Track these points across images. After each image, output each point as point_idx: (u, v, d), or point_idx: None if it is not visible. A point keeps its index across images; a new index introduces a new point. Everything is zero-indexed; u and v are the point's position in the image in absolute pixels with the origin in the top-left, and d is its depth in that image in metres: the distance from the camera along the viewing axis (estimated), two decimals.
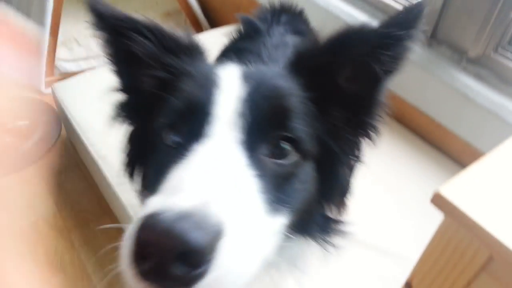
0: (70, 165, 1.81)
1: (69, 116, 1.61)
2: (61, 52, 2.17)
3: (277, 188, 0.44)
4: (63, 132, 1.93)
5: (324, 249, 0.55)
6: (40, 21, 1.94)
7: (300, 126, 0.47)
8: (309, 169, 0.48)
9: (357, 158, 0.55)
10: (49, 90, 2.10)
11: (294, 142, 0.46)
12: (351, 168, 0.55)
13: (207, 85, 0.47)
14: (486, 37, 1.34)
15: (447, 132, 1.49)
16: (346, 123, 0.52)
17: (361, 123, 0.54)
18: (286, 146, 0.45)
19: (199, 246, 0.32)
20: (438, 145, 1.53)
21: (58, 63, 2.16)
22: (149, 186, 0.57)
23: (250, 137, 0.43)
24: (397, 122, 1.62)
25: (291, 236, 0.49)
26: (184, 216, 0.32)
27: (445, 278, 0.55)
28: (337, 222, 0.57)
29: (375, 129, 0.54)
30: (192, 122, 0.44)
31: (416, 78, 1.51)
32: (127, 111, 0.62)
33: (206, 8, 2.53)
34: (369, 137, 0.54)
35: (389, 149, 1.51)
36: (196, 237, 0.32)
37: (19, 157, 1.79)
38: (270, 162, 0.44)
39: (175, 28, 0.66)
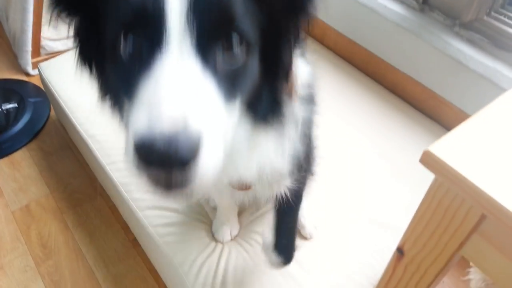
0: (60, 146, 1.79)
1: (56, 96, 1.58)
2: (46, 31, 2.11)
3: (231, 84, 0.47)
4: (52, 113, 1.90)
5: (275, 127, 0.59)
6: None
7: (246, 25, 0.47)
8: (255, 59, 0.51)
9: (296, 39, 0.55)
10: (36, 72, 2.06)
11: (242, 40, 0.47)
12: (291, 50, 0.55)
13: None
14: (479, 0, 1.31)
15: (440, 101, 1.47)
16: (282, 8, 0.51)
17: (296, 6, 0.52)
18: (236, 45, 0.47)
19: (188, 159, 0.40)
20: (432, 114, 1.51)
21: (44, 42, 2.11)
22: (113, 95, 0.60)
23: (203, 42, 0.44)
24: (390, 92, 1.60)
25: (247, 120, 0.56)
26: (172, 138, 0.38)
27: (437, 241, 0.54)
28: (284, 102, 0.58)
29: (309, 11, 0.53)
30: (147, 31, 0.44)
31: (409, 45, 1.48)
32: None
33: None
34: (305, 17, 0.53)
35: (384, 119, 1.49)
36: (186, 153, 0.39)
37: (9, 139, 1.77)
38: (222, 62, 0.46)
39: None
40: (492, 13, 1.35)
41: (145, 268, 1.40)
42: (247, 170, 0.65)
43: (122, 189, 1.28)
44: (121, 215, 1.50)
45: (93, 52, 0.59)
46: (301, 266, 1.10)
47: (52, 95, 1.62)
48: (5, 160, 1.73)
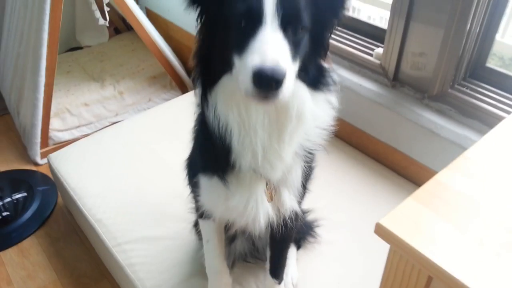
0: (67, 232, 1.87)
1: (64, 183, 1.70)
2: (54, 123, 2.28)
3: (295, 48, 0.76)
4: (60, 200, 2.00)
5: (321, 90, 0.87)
6: (34, 96, 2.07)
7: (307, 18, 0.77)
8: (308, 38, 0.80)
9: (332, 31, 0.86)
10: (44, 161, 2.20)
11: (303, 25, 0.77)
12: (328, 37, 0.86)
13: None
14: (442, 75, 1.47)
15: (420, 166, 1.58)
16: (325, 9, 0.82)
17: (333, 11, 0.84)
18: (299, 27, 0.77)
19: (282, 80, 0.69)
20: (414, 178, 1.62)
21: (51, 133, 2.27)
22: (226, 54, 0.82)
23: (283, 24, 0.73)
24: (374, 160, 1.72)
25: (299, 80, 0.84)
26: (274, 68, 0.68)
27: None
28: (325, 69, 0.87)
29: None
30: (254, 15, 0.74)
31: (385, 118, 1.62)
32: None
33: (189, 69, 2.69)
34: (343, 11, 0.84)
35: (370, 185, 1.59)
36: (280, 77, 0.69)
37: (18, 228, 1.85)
38: (292, 36, 0.75)
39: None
40: (456, 86, 1.50)
41: None
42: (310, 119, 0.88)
43: (128, 270, 1.35)
44: None
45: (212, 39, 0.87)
46: None
47: (61, 183, 1.73)
48: (14, 248, 1.80)
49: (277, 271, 1.21)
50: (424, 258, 0.53)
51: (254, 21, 0.73)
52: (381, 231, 0.57)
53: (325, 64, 0.88)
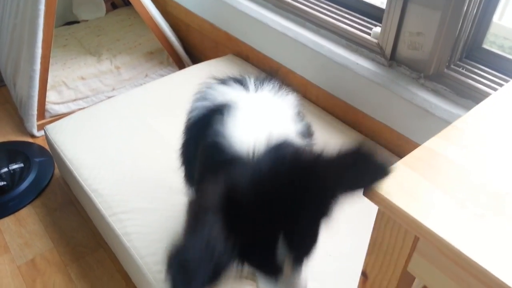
0: (64, 202, 1.89)
1: (61, 155, 1.71)
2: (51, 95, 2.28)
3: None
4: (56, 171, 2.02)
5: None
6: (30, 68, 2.06)
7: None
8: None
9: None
10: (41, 133, 2.21)
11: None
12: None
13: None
14: (438, 55, 1.48)
15: (414, 145, 1.60)
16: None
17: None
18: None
19: None
20: None
21: (48, 106, 2.27)
22: None
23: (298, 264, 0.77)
24: (369, 138, 1.74)
25: None
26: None
27: (389, 262, 0.65)
28: None
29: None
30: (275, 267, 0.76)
31: (381, 96, 1.64)
32: None
33: (187, 45, 2.69)
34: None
35: None
36: None
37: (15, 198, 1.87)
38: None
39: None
40: (452, 66, 1.52)
41: None
42: None
43: (124, 238, 1.38)
44: (121, 265, 1.59)
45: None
46: None
47: (57, 154, 1.75)
48: (11, 217, 1.83)
49: None
50: (411, 218, 0.56)
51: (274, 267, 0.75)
52: (369, 193, 0.59)
53: None
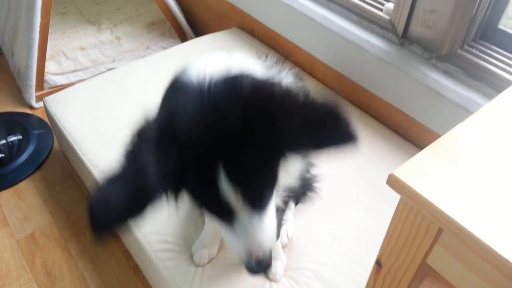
0: (63, 176, 1.86)
1: (61, 128, 1.67)
2: (50, 66, 2.22)
3: (267, 201, 0.75)
4: (56, 144, 1.98)
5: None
6: (29, 36, 2.00)
7: (274, 181, 0.76)
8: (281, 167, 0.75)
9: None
10: (40, 104, 2.16)
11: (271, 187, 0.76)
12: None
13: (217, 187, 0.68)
14: (452, 35, 1.43)
15: (422, 128, 1.57)
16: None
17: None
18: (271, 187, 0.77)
19: (268, 264, 0.73)
20: (415, 140, 1.61)
21: (47, 77, 2.21)
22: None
23: (251, 203, 0.71)
24: (376, 120, 1.70)
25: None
26: (261, 263, 0.72)
27: (407, 252, 0.63)
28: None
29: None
30: (224, 209, 0.71)
31: (390, 76, 1.59)
32: None
33: (190, 17, 2.61)
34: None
35: (370, 145, 1.59)
36: (266, 264, 0.73)
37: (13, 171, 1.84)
38: (262, 202, 0.74)
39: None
40: (465, 47, 1.47)
41: None
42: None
43: None
44: (122, 242, 1.57)
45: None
46: (294, 279, 1.18)
47: (57, 127, 1.71)
48: (10, 190, 1.80)
49: None
50: (437, 209, 0.53)
51: (223, 211, 0.71)
52: (393, 182, 0.56)
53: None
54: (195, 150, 0.65)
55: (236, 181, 0.66)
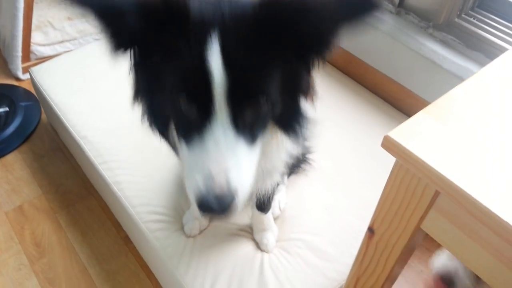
0: (52, 148, 1.83)
1: (48, 99, 1.62)
2: (36, 36, 2.15)
3: (254, 132, 0.60)
4: (43, 116, 1.94)
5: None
6: (13, 5, 1.92)
7: (273, 94, 0.59)
8: (275, 103, 0.61)
9: (310, 88, 0.68)
10: (26, 76, 2.10)
11: (268, 101, 0.59)
12: (305, 96, 0.68)
13: (203, 67, 0.54)
14: (450, 3, 1.39)
15: (417, 99, 1.55)
16: (299, 60, 0.62)
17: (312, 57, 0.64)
18: (263, 106, 0.59)
19: (230, 206, 0.57)
20: (410, 112, 1.59)
21: (33, 47, 2.15)
22: (157, 124, 0.74)
23: (239, 112, 0.56)
24: (370, 91, 1.67)
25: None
26: (221, 197, 0.55)
27: (401, 218, 0.61)
28: (303, 116, 0.71)
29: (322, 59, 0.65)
30: (199, 102, 0.56)
31: (386, 46, 1.56)
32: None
33: None
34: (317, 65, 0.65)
35: (365, 117, 1.56)
36: (228, 203, 0.57)
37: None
38: (250, 121, 0.58)
39: None
40: (463, 16, 1.43)
41: (137, 265, 1.45)
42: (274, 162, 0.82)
43: (114, 187, 1.33)
44: (112, 213, 1.55)
45: (146, 88, 0.71)
46: (285, 249, 1.17)
47: (44, 98, 1.66)
48: None
49: (262, 207, 1.14)
50: (433, 171, 0.50)
51: (198, 102, 0.56)
52: (388, 144, 0.53)
53: (306, 104, 0.70)
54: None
55: (231, 64, 0.53)
